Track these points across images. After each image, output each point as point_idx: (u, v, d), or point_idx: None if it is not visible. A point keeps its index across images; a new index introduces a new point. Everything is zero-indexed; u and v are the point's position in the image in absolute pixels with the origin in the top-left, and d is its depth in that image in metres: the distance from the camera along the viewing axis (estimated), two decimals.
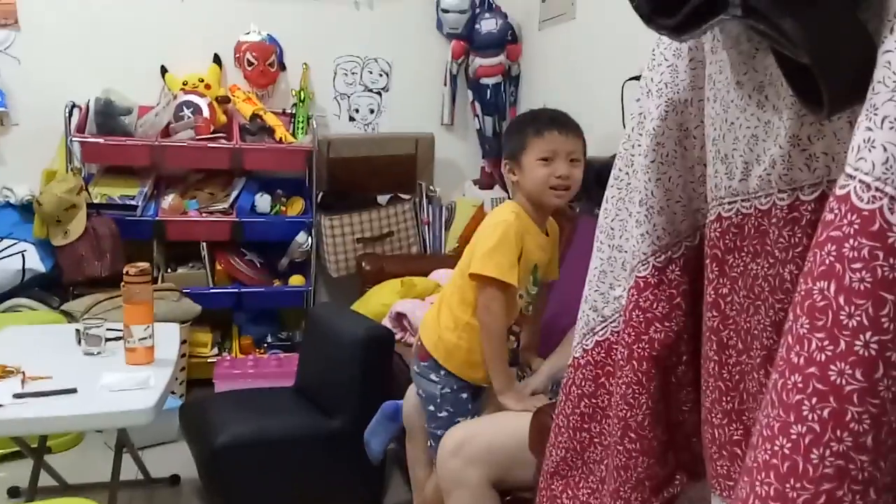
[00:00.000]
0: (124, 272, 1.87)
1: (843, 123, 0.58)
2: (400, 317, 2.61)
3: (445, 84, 3.55)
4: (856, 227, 0.49)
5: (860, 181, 0.49)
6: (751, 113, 0.65)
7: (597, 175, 2.29)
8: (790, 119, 0.61)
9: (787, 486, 0.51)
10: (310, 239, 3.23)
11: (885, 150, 0.48)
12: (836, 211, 0.50)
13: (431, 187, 3.49)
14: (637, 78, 2.56)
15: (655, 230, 0.79)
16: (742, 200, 0.68)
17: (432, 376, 1.73)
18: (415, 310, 2.61)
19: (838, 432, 0.49)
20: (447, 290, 1.83)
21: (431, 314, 1.82)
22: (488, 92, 3.49)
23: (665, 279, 0.80)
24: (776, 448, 0.52)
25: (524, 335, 1.88)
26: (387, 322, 2.60)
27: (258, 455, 2.10)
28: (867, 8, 0.52)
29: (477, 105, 3.53)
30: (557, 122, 1.69)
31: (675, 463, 0.83)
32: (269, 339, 3.28)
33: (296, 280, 3.28)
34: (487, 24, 3.43)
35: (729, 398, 0.71)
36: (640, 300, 0.80)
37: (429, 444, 1.74)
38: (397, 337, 2.49)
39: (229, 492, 2.11)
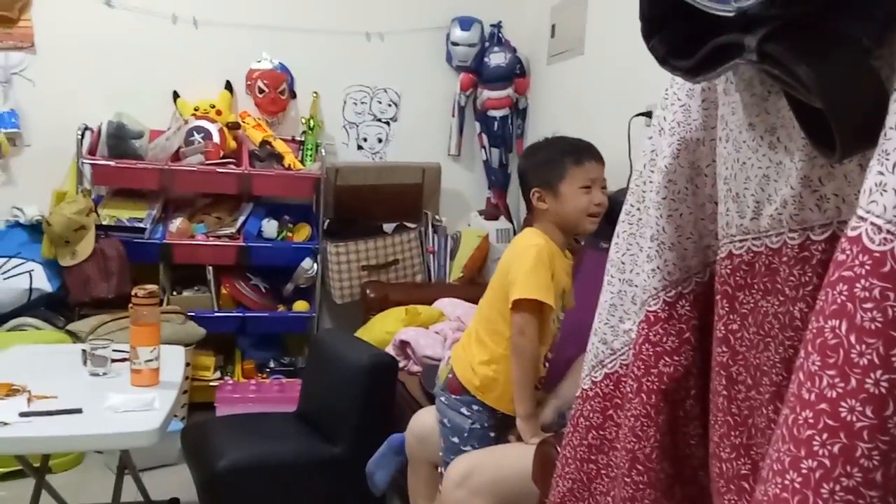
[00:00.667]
0: (132, 294, 1.89)
1: (853, 166, 0.60)
2: (404, 345, 2.62)
3: (453, 115, 3.60)
4: (867, 267, 0.50)
5: (871, 223, 0.51)
6: (763, 154, 0.67)
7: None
8: (802, 161, 0.63)
9: None
10: (315, 265, 3.24)
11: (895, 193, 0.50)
12: (848, 252, 0.52)
13: (437, 217, 3.52)
14: (645, 114, 2.61)
15: (666, 265, 0.81)
16: (753, 239, 0.70)
17: (463, 410, 1.72)
18: (418, 338, 2.62)
19: (848, 468, 0.50)
20: (476, 324, 1.82)
21: (462, 348, 1.81)
22: (496, 124, 3.53)
23: (675, 314, 0.81)
24: (787, 482, 0.53)
25: None
26: (390, 350, 2.61)
27: (259, 480, 2.09)
28: (879, 56, 0.54)
29: (484, 136, 3.58)
30: (592, 151, 1.75)
31: (682, 496, 0.83)
32: (271, 364, 3.27)
33: (300, 306, 3.29)
34: (496, 58, 3.49)
35: (738, 433, 0.72)
36: (651, 334, 0.81)
37: (440, 471, 1.73)
38: (401, 365, 2.49)
39: None
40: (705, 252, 0.82)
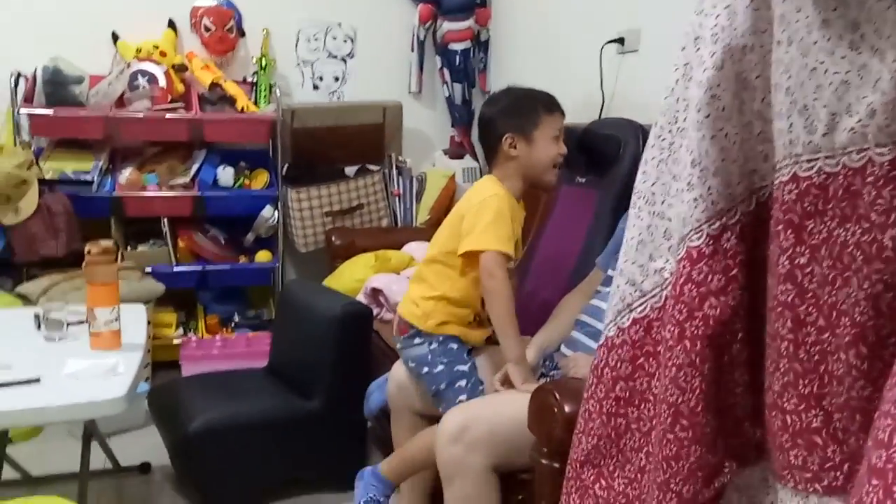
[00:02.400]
0: (86, 251, 1.74)
1: None
2: (376, 292, 2.52)
3: (413, 50, 3.43)
4: None
5: None
6: (841, 56, 0.57)
7: (577, 143, 2.23)
8: None
9: None
10: (276, 213, 3.10)
11: None
12: None
13: (401, 158, 3.38)
14: (617, 41, 2.50)
15: (710, 194, 0.71)
16: (826, 157, 0.60)
17: (416, 340, 1.73)
18: (390, 284, 2.52)
19: None
20: (423, 265, 1.82)
21: (409, 291, 1.82)
22: (457, 58, 3.38)
23: (720, 248, 0.72)
24: None
25: None
26: (362, 298, 2.51)
27: (233, 440, 2.02)
28: None
29: (446, 72, 3.43)
30: (558, 102, 1.75)
31: (724, 449, 0.76)
32: (236, 318, 3.16)
33: (262, 256, 3.15)
34: None
35: (807, 381, 0.64)
36: (694, 273, 0.72)
37: (440, 409, 1.67)
38: (374, 313, 2.40)
39: (204, 478, 2.03)
40: (751, 177, 0.72)
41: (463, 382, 1.66)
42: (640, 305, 0.81)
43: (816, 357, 0.63)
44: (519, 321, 2.05)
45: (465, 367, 1.68)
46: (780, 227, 0.65)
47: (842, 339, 0.60)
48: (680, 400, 0.72)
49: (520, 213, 1.75)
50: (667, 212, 0.77)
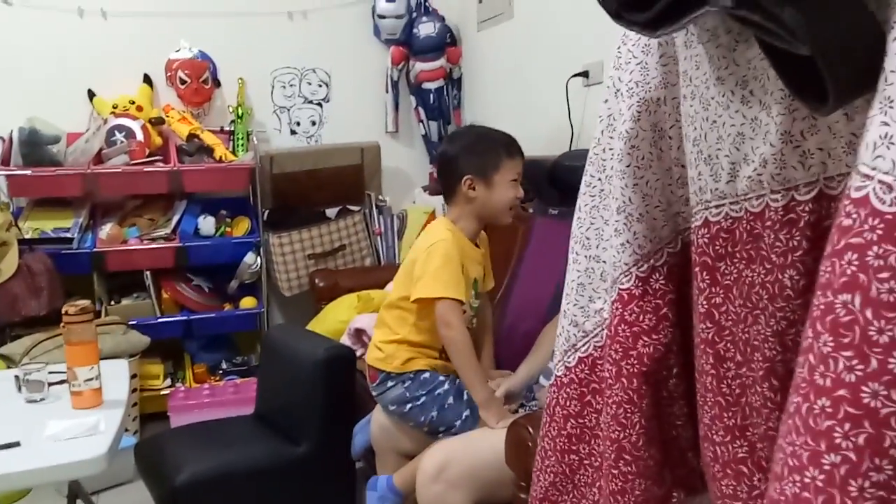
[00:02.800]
0: (63, 312, 1.75)
1: (838, 116, 0.54)
2: (359, 333, 2.53)
3: (387, 91, 3.49)
4: (879, 232, 0.45)
5: (880, 182, 0.45)
6: (735, 110, 0.61)
7: (548, 174, 2.29)
8: (780, 115, 0.57)
9: None
10: (259, 259, 3.12)
11: None
12: (855, 216, 0.46)
13: (381, 197, 3.42)
14: (582, 74, 2.56)
15: (636, 238, 0.75)
16: (731, 203, 0.64)
17: (389, 384, 1.74)
18: (373, 324, 2.54)
19: (877, 461, 0.45)
20: (384, 311, 1.84)
21: (373, 338, 1.85)
22: (431, 96, 3.44)
23: (649, 289, 0.75)
24: (807, 480, 0.47)
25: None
26: (346, 339, 2.52)
27: (221, 490, 2.00)
28: None
29: (421, 111, 3.48)
30: (518, 145, 1.78)
31: (671, 480, 0.79)
32: (223, 366, 3.15)
33: (247, 302, 3.16)
34: (425, 28, 3.38)
35: (730, 413, 0.67)
36: (626, 314, 0.75)
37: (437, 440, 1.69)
38: (358, 353, 2.41)
39: None
40: (675, 220, 0.76)
41: (451, 401, 1.67)
42: (584, 345, 0.84)
43: (737, 390, 0.66)
44: (502, 354, 2.09)
45: (447, 387, 1.69)
46: (697, 268, 0.69)
47: (756, 372, 0.63)
48: (622, 436, 0.75)
49: (473, 252, 1.77)
50: (601, 255, 0.80)
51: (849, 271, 0.46)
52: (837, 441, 0.46)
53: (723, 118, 0.62)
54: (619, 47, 0.77)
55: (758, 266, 0.62)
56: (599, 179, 0.81)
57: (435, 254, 1.65)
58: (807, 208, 0.58)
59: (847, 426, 0.46)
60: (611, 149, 0.78)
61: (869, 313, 0.45)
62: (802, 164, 0.58)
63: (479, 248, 1.82)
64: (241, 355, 3.28)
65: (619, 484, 0.76)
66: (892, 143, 0.45)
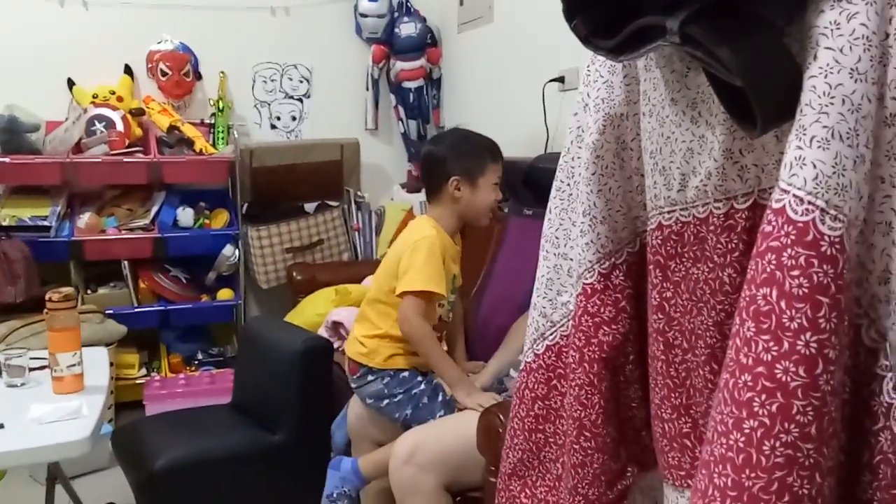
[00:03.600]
0: (47, 298, 1.80)
1: (770, 137, 0.63)
2: (336, 325, 2.60)
3: (368, 89, 3.55)
4: (792, 237, 0.54)
5: (794, 196, 0.54)
6: (685, 128, 0.70)
7: (524, 176, 2.37)
8: (723, 134, 0.66)
9: (743, 476, 0.55)
10: (237, 251, 3.17)
11: (814, 167, 0.53)
12: (774, 223, 0.55)
13: (359, 193, 3.48)
14: (558, 79, 2.65)
15: (599, 238, 0.84)
16: (681, 209, 0.73)
17: (369, 377, 1.81)
18: (350, 317, 2.59)
19: (786, 424, 0.54)
20: (365, 304, 1.91)
21: (353, 331, 1.92)
22: (411, 95, 3.51)
23: (610, 284, 0.84)
24: (731, 442, 0.56)
25: (448, 345, 1.95)
26: (323, 331, 2.58)
27: (199, 476, 2.04)
28: (789, 34, 0.57)
29: (400, 109, 3.55)
30: (500, 152, 1.88)
31: (627, 456, 0.88)
32: (199, 356, 3.20)
33: (224, 294, 3.21)
34: (407, 28, 3.45)
35: (677, 394, 0.76)
36: (589, 305, 0.84)
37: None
38: (335, 346, 2.48)
39: None
40: (634, 223, 0.85)
41: (426, 400, 1.75)
42: (552, 334, 0.93)
43: (683, 374, 0.75)
44: (476, 347, 2.17)
45: (423, 387, 1.77)
46: (650, 266, 0.78)
47: (699, 357, 0.72)
48: (583, 415, 0.83)
49: (453, 249, 1.85)
50: (569, 253, 0.89)
51: (768, 269, 0.55)
52: (756, 409, 0.55)
53: (675, 134, 0.71)
54: (588, 66, 0.85)
55: (702, 265, 0.71)
56: (568, 185, 0.89)
57: (420, 249, 1.73)
58: (743, 216, 0.67)
59: (763, 397, 0.55)
60: (579, 157, 0.86)
61: (783, 304, 0.54)
62: (741, 177, 0.67)
63: (457, 246, 1.89)
64: (216, 346, 3.33)
65: (580, 458, 0.84)
66: (805, 165, 0.54)
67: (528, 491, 0.94)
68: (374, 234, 3.47)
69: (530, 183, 2.38)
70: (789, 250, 0.54)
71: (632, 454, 0.88)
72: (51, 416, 1.62)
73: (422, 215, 1.87)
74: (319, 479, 2.22)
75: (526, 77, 2.85)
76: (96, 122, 2.94)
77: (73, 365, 1.79)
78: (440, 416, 1.72)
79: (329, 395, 2.25)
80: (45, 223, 2.87)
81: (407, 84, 3.50)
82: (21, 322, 2.59)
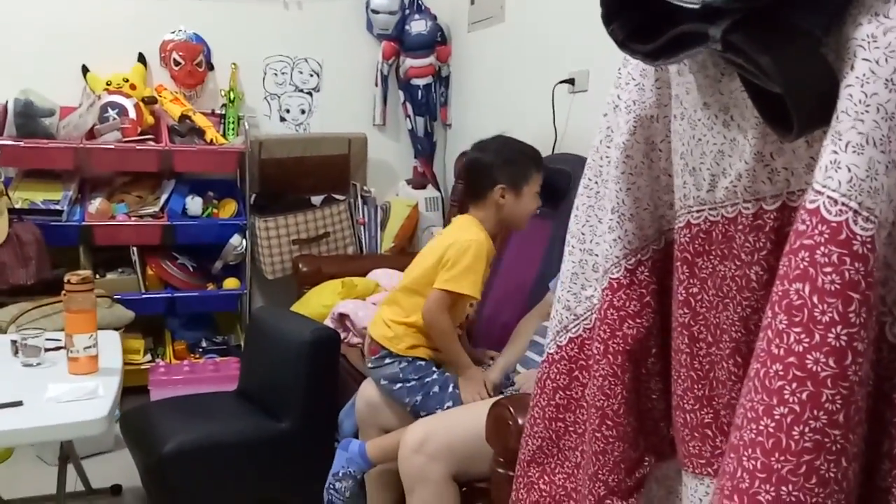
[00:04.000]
0: (66, 280, 1.83)
1: (801, 142, 0.67)
2: (342, 317, 2.63)
3: (377, 84, 3.58)
4: (826, 236, 0.57)
5: (828, 197, 0.58)
6: (717, 131, 0.73)
7: None
8: (755, 138, 0.69)
9: (773, 459, 0.59)
10: (244, 241, 3.19)
11: (848, 170, 0.57)
12: (808, 222, 0.59)
13: (365, 187, 3.51)
14: (568, 81, 2.68)
15: (626, 235, 0.87)
16: (710, 209, 0.76)
17: (387, 360, 1.85)
18: (357, 310, 2.64)
19: (815, 411, 0.58)
20: (397, 290, 1.93)
21: (377, 314, 1.94)
22: (419, 92, 3.54)
23: (636, 280, 0.87)
24: (761, 427, 0.60)
25: None
26: (329, 323, 2.61)
27: (206, 461, 2.08)
28: (826, 45, 0.60)
29: (408, 105, 3.58)
30: (543, 161, 1.95)
31: (645, 446, 0.91)
32: (203, 344, 3.22)
33: (230, 283, 3.24)
34: (417, 26, 3.48)
35: (700, 386, 0.79)
36: (615, 300, 0.87)
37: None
38: (342, 337, 2.51)
39: (177, 499, 2.09)
40: (660, 221, 0.89)
41: (437, 389, 1.79)
42: (575, 327, 0.96)
43: (707, 366, 0.79)
44: (482, 343, 2.21)
45: (436, 377, 1.81)
46: (678, 263, 0.81)
47: (724, 351, 0.76)
48: (605, 404, 0.87)
49: (492, 253, 1.90)
50: (594, 249, 0.92)
51: (801, 265, 0.59)
52: (786, 397, 0.59)
53: (707, 137, 0.74)
54: (619, 69, 0.89)
55: (729, 262, 0.75)
56: (596, 183, 0.93)
57: (470, 251, 1.76)
58: (772, 216, 0.70)
59: (794, 385, 0.58)
60: (607, 157, 0.90)
61: (815, 298, 0.58)
62: (770, 179, 0.70)
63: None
64: (220, 335, 3.35)
65: (601, 445, 0.88)
66: (839, 168, 0.57)
67: (546, 477, 0.97)
68: (379, 228, 3.50)
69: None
70: (822, 248, 0.57)
71: (650, 444, 0.91)
72: (68, 396, 1.65)
73: (466, 215, 1.91)
74: (324, 468, 2.25)
75: (535, 78, 2.88)
76: (109, 109, 2.96)
77: (89, 346, 1.82)
78: (447, 407, 1.76)
79: (335, 384, 2.29)
80: (57, 207, 2.90)
81: (416, 81, 3.53)
82: (32, 304, 2.62)
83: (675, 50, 0.68)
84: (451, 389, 1.80)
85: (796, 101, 0.59)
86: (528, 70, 2.98)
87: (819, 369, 0.57)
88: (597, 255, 0.92)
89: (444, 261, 1.79)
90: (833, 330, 0.57)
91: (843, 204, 0.57)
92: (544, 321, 1.90)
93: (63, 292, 1.84)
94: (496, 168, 1.86)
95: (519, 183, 1.85)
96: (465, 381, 1.78)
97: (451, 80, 3.62)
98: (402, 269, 2.85)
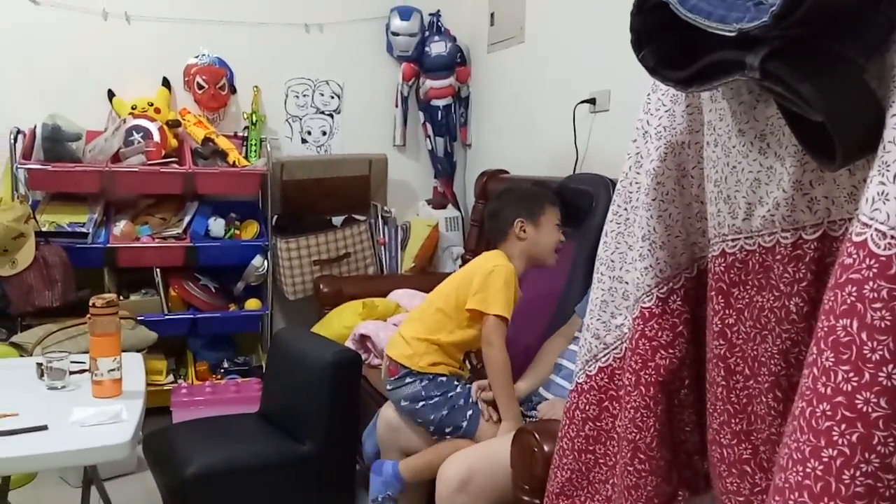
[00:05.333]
0: (91, 304, 1.83)
1: (842, 171, 0.65)
2: (364, 338, 2.62)
3: (397, 105, 3.60)
4: (874, 270, 0.55)
5: (876, 230, 0.56)
6: (753, 158, 0.71)
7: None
8: (793, 166, 0.68)
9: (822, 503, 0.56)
10: (265, 262, 3.20)
11: None
12: (855, 256, 0.57)
13: (386, 208, 3.51)
14: (589, 101, 2.67)
15: (658, 263, 0.85)
16: (745, 238, 0.75)
17: (407, 380, 1.84)
18: (378, 331, 2.63)
19: (867, 454, 0.55)
20: (421, 311, 1.94)
21: (400, 334, 1.94)
22: (439, 113, 3.55)
23: (668, 309, 0.85)
24: (808, 470, 0.57)
25: None
26: (350, 344, 2.61)
27: (229, 483, 2.07)
28: (867, 71, 0.59)
29: (428, 126, 3.59)
30: (556, 198, 2.00)
31: (679, 480, 0.88)
32: (225, 365, 3.23)
33: (252, 304, 3.24)
34: (437, 47, 3.50)
35: (737, 420, 0.77)
36: (646, 329, 0.85)
37: (446, 437, 1.81)
38: (363, 358, 2.50)
39: None
40: (692, 249, 0.87)
41: (461, 402, 1.79)
42: (605, 356, 0.94)
43: (744, 400, 0.77)
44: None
45: (459, 390, 1.81)
46: (712, 292, 0.79)
47: (763, 385, 0.73)
48: (638, 437, 0.84)
49: (518, 292, 1.90)
50: (624, 276, 0.90)
51: (849, 300, 0.56)
52: (835, 438, 0.56)
53: (742, 165, 0.73)
54: (648, 95, 0.87)
55: (767, 293, 0.72)
56: (626, 209, 0.91)
57: (500, 275, 1.79)
58: (812, 246, 0.68)
59: (843, 426, 0.56)
60: (637, 183, 0.88)
61: (864, 335, 0.56)
62: (810, 208, 0.68)
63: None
64: (242, 355, 3.36)
65: (634, 480, 0.85)
66: (888, 200, 0.55)
67: None
68: (399, 248, 3.49)
69: (560, 203, 2.39)
70: (871, 283, 0.55)
71: (683, 478, 0.89)
72: (92, 420, 1.65)
73: (494, 250, 1.94)
74: (346, 489, 2.24)
75: (556, 98, 2.88)
76: (134, 133, 2.99)
77: (113, 370, 1.82)
78: (470, 416, 1.78)
79: (357, 406, 2.27)
80: (83, 230, 2.92)
81: (435, 102, 3.54)
82: (57, 326, 2.63)
83: (709, 77, 0.66)
84: (472, 400, 1.81)
85: (840, 130, 0.57)
86: (549, 90, 2.98)
87: (870, 410, 0.55)
88: (627, 282, 0.90)
89: (474, 285, 1.81)
90: (884, 369, 0.55)
91: (892, 237, 0.55)
92: (569, 344, 1.88)
93: (87, 315, 1.85)
94: (511, 206, 1.93)
95: (535, 214, 1.90)
96: (509, 427, 1.73)
97: (471, 100, 3.63)
98: (422, 290, 2.86)
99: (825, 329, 0.58)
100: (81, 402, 1.76)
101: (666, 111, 0.84)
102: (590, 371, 0.95)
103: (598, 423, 0.94)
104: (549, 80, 2.98)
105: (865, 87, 0.58)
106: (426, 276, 3.26)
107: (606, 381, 0.93)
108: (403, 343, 1.87)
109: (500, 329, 1.77)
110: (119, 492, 2.36)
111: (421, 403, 1.80)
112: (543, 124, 3.00)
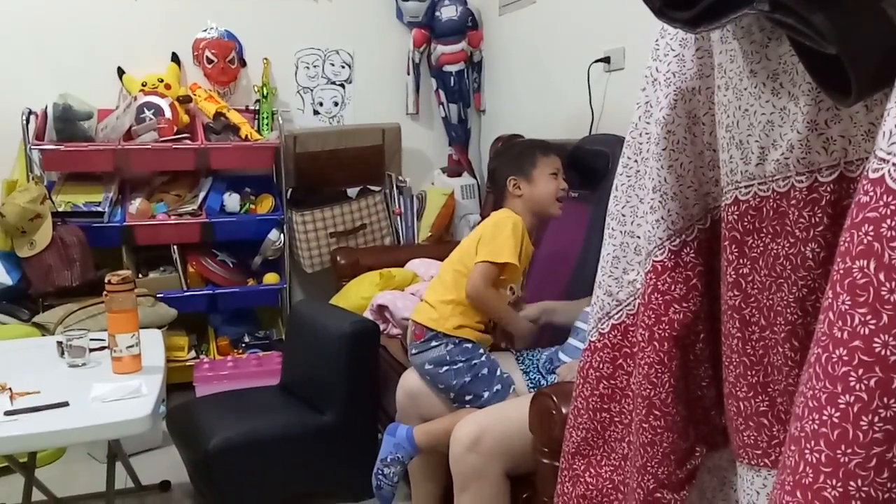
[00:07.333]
0: (106, 281, 1.84)
1: (858, 107, 0.61)
2: (381, 309, 2.62)
3: (408, 73, 3.55)
4: (892, 207, 0.52)
5: (894, 164, 0.53)
6: (765, 100, 0.68)
7: (569, 158, 2.35)
8: (807, 105, 0.64)
9: (839, 451, 0.54)
10: (282, 236, 3.20)
11: None
12: (872, 193, 0.54)
13: (401, 177, 3.49)
14: (603, 60, 2.62)
15: (670, 215, 0.82)
16: (759, 184, 0.72)
17: (433, 343, 1.84)
18: (395, 301, 2.62)
19: (885, 399, 0.53)
20: (444, 272, 1.94)
21: (424, 300, 1.94)
22: (452, 79, 3.50)
23: (681, 262, 0.83)
24: (825, 417, 0.55)
25: None
26: (368, 315, 2.60)
27: (252, 455, 2.09)
28: (888, 2, 0.55)
29: (441, 93, 3.55)
30: (551, 146, 2.00)
31: (695, 436, 0.87)
32: (246, 339, 3.25)
33: (270, 278, 3.25)
34: (447, 11, 3.44)
35: (754, 372, 0.75)
36: (659, 283, 0.83)
37: (466, 405, 1.81)
38: (381, 329, 2.50)
39: (224, 493, 2.11)
40: (705, 199, 0.84)
41: (485, 371, 1.79)
42: (617, 313, 0.92)
43: (760, 351, 0.74)
44: None
45: (484, 359, 1.81)
46: (726, 242, 0.76)
47: (779, 335, 0.71)
48: (652, 393, 0.83)
49: (529, 246, 1.90)
50: (636, 231, 0.88)
51: (865, 241, 0.54)
52: (852, 384, 0.54)
53: (754, 107, 0.69)
54: (657, 40, 0.84)
55: (783, 240, 0.70)
56: (636, 161, 0.88)
57: (506, 225, 1.81)
58: (828, 189, 0.65)
59: (860, 371, 0.54)
60: (647, 133, 0.85)
61: (882, 276, 0.53)
62: (825, 149, 0.65)
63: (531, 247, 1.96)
64: (262, 329, 3.38)
65: (649, 436, 0.84)
66: None
67: (592, 470, 0.94)
68: (415, 218, 3.47)
69: (576, 165, 2.36)
70: (889, 221, 0.52)
71: (700, 433, 0.87)
72: (112, 395, 1.67)
73: (501, 209, 1.95)
74: (367, 458, 2.25)
75: (569, 58, 2.82)
76: (145, 110, 2.99)
77: (132, 346, 1.84)
78: (496, 391, 1.76)
79: (375, 376, 2.28)
80: (99, 209, 2.94)
81: (448, 68, 3.49)
82: (77, 305, 2.66)
83: (717, 14, 0.63)
84: (498, 373, 1.79)
85: (854, 61, 0.54)
86: (562, 51, 2.92)
87: (888, 353, 0.52)
88: (638, 237, 0.87)
89: (482, 237, 1.83)
90: None
91: None
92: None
93: (104, 293, 1.86)
94: (503, 166, 1.95)
95: (526, 169, 1.90)
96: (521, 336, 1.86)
97: (484, 65, 3.57)
98: (439, 258, 2.83)
99: (841, 271, 0.55)
100: (102, 378, 1.78)
101: (675, 56, 0.80)
102: (603, 329, 0.93)
103: (613, 381, 0.92)
104: (561, 41, 2.93)
105: (882, 13, 0.54)
106: (443, 245, 3.23)
107: (620, 338, 0.91)
108: (428, 307, 1.88)
109: (487, 273, 1.78)
110: (146, 466, 2.40)
111: (445, 368, 1.80)
112: (558, 86, 2.94)
